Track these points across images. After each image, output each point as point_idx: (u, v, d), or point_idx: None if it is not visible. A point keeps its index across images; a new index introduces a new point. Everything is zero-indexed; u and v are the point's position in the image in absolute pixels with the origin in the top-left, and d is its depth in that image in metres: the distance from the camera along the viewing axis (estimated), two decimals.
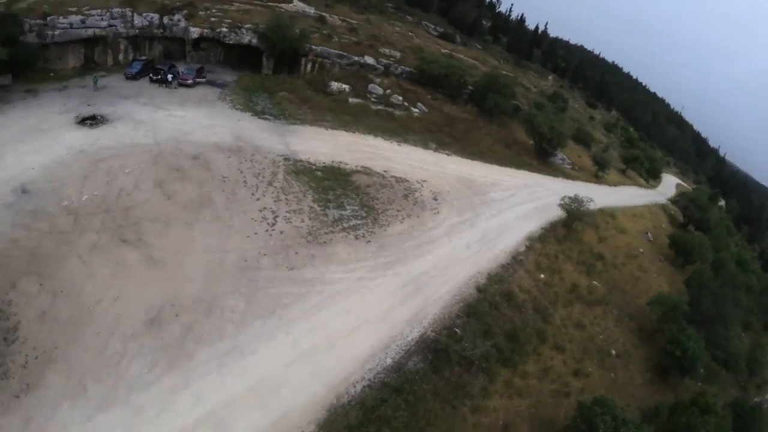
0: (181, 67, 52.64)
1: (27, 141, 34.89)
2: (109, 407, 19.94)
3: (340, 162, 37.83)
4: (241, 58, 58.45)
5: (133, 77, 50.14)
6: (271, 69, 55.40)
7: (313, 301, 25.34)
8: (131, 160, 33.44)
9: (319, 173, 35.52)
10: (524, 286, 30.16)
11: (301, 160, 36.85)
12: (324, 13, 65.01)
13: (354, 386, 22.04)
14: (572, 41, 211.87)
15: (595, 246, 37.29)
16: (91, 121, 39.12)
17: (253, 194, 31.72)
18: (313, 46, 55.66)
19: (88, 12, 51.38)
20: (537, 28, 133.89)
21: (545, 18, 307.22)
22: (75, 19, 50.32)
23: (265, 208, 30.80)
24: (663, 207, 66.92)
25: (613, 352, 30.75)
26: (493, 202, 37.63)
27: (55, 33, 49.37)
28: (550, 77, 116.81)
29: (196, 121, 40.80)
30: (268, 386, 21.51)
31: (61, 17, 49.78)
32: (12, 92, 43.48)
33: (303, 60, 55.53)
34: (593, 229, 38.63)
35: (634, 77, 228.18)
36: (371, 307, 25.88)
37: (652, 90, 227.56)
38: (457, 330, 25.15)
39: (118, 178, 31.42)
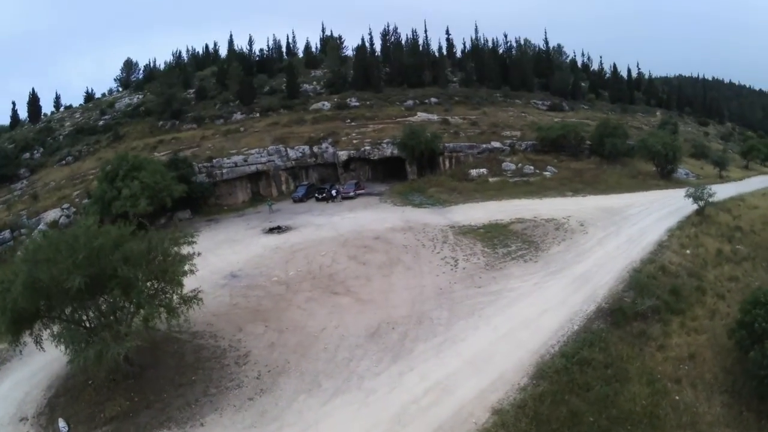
0: (339, 186, 63.02)
1: (225, 247, 44.07)
2: (343, 393, 24.37)
3: (496, 219, 45.28)
4: (387, 172, 68.69)
5: (300, 200, 60.42)
6: (415, 174, 65.13)
7: (502, 303, 31.36)
8: (323, 246, 41.86)
9: (481, 230, 43.17)
10: (674, 260, 34.37)
11: (464, 225, 44.66)
12: (446, 116, 76.45)
13: (552, 347, 26.74)
14: (669, 74, 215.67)
15: (730, 223, 41.04)
16: (277, 229, 48.15)
17: (432, 250, 39.43)
18: (446, 144, 65.42)
19: (247, 152, 63.20)
20: (630, 72, 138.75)
21: (635, 58, 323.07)
22: (238, 158, 62.15)
23: (446, 256, 38.24)
24: None
25: None
26: (630, 216, 42.99)
27: (223, 171, 60.89)
28: (657, 113, 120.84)
29: (368, 217, 49.82)
30: (481, 358, 26.26)
31: (225, 158, 61.58)
32: (195, 222, 53.61)
33: (440, 158, 65.26)
34: (726, 212, 42.43)
35: (737, 83, 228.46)
36: (551, 298, 31.26)
37: (757, 88, 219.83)
38: (626, 299, 29.98)
39: (316, 258, 39.62)
